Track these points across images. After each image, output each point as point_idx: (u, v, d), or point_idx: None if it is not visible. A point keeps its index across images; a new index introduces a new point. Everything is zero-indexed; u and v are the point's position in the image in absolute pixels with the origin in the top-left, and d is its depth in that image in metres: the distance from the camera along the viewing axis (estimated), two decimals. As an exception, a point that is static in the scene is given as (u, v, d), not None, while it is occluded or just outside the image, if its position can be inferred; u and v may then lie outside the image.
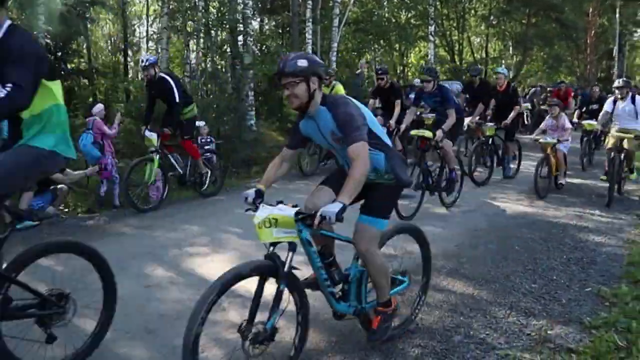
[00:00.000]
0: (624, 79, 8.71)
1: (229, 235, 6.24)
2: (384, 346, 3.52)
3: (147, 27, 26.41)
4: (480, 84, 11.32)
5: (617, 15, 31.20)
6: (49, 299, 3.16)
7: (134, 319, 3.91)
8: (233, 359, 3.06)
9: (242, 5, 14.43)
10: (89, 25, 19.43)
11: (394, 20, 22.45)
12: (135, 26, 29.77)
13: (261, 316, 3.00)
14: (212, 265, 5.14)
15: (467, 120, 9.37)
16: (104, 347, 3.54)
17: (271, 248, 3.01)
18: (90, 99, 16.60)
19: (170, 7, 15.45)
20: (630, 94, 8.17)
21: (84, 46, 20.36)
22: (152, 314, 4.05)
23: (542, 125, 9.09)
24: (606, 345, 3.46)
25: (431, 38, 22.79)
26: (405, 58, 27.55)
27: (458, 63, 26.44)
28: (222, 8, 15.17)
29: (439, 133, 6.97)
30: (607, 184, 7.81)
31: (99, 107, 9.18)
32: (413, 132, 7.45)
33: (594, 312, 4.05)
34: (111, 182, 8.75)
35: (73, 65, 17.41)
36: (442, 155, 7.27)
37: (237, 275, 2.87)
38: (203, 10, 15.10)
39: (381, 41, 22.23)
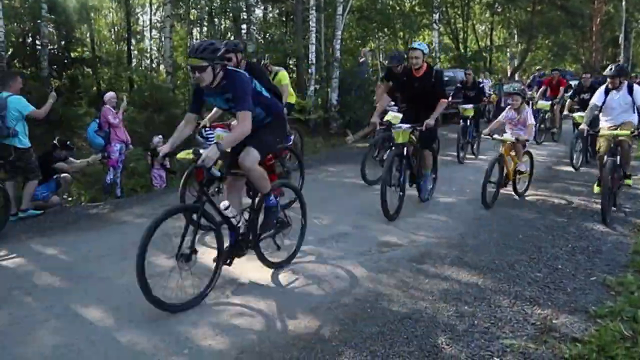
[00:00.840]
0: (617, 64, 7.36)
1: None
2: (387, 335, 3.50)
3: (151, 16, 26.33)
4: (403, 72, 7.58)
5: (624, 3, 30.93)
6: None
7: (137, 308, 3.90)
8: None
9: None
10: (92, 14, 19.37)
11: (398, 8, 22.31)
12: (139, 14, 29.69)
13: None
14: (213, 254, 5.11)
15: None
16: (108, 336, 3.55)
17: None
18: (94, 88, 16.59)
19: (174, -5, 15.38)
20: (624, 83, 6.98)
21: (87, 35, 20.32)
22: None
23: (501, 118, 7.49)
24: (612, 334, 3.43)
25: (435, 26, 22.64)
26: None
27: (463, 51, 26.28)
28: (225, -4, 15.13)
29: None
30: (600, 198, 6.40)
31: (110, 94, 9.16)
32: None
33: (600, 301, 4.02)
34: (115, 171, 8.78)
35: (76, 54, 17.38)
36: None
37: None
38: (206, -2, 15.05)
39: (385, 29, 22.09)
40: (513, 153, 7.16)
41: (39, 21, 13.42)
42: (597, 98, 7.15)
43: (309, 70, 15.84)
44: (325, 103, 15.87)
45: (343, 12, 16.17)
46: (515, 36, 30.46)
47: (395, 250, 5.22)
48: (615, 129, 6.86)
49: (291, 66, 19.60)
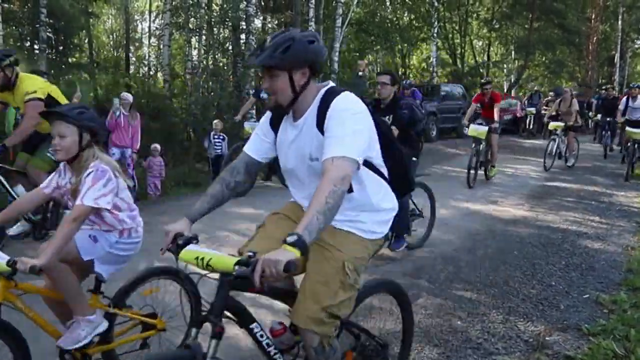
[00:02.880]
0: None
1: (226, 233, 6.22)
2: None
3: (150, 23, 26.42)
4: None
5: (620, 22, 31.22)
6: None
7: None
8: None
9: (245, 3, 14.42)
10: (91, 20, 19.40)
11: (396, 22, 22.46)
12: (138, 22, 29.80)
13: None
14: (209, 264, 5.11)
15: None
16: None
17: None
18: (92, 94, 16.58)
19: (173, 3, 15.43)
20: None
21: (86, 41, 20.34)
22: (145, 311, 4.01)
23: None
24: (604, 353, 3.43)
25: (433, 39, 22.81)
26: (407, 60, 27.54)
27: (460, 66, 26.44)
28: (224, 5, 15.17)
29: None
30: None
31: (123, 95, 9.01)
32: None
33: (593, 319, 4.02)
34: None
35: (74, 60, 17.38)
36: None
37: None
38: (206, 7, 15.09)
39: (383, 43, 22.23)
40: None
41: (37, 26, 13.42)
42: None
43: (307, 82, 15.87)
44: (322, 115, 15.89)
45: (342, 25, 16.26)
46: (513, 52, 30.66)
47: (390, 264, 5.22)
48: None
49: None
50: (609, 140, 14.06)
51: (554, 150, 11.07)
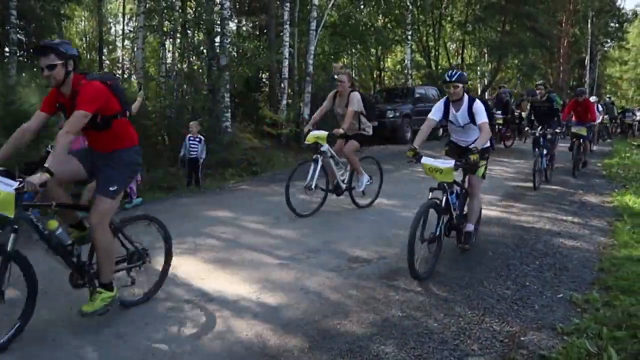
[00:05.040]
0: None
1: (200, 237, 6.15)
2: (356, 352, 3.49)
3: (123, 26, 26.12)
4: None
5: (589, 26, 31.84)
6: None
7: (103, 324, 3.82)
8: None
9: (219, 6, 14.34)
10: (63, 22, 19.10)
11: (370, 25, 22.54)
12: (111, 24, 29.45)
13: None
14: (184, 268, 5.06)
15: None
16: (72, 353, 3.45)
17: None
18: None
19: (147, 6, 15.27)
20: None
21: (58, 43, 20.00)
22: (122, 319, 3.95)
23: None
24: (578, 351, 3.47)
25: (408, 42, 22.95)
26: (382, 62, 27.67)
27: (434, 68, 26.65)
28: (199, 8, 15.07)
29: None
30: None
31: None
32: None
33: (567, 318, 4.07)
34: None
35: (46, 63, 17.06)
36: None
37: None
38: (180, 10, 14.97)
39: (358, 45, 22.28)
40: None
41: (7, 28, 13.17)
42: None
43: (282, 85, 15.86)
44: (297, 117, 15.90)
45: (317, 28, 16.26)
46: (486, 55, 31.01)
47: (365, 267, 5.22)
48: None
49: (264, 80, 19.61)
50: (543, 161, 9.88)
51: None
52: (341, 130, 7.20)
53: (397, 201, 8.13)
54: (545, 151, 9.85)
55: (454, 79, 5.23)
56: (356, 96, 7.34)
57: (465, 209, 5.60)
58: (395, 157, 12.50)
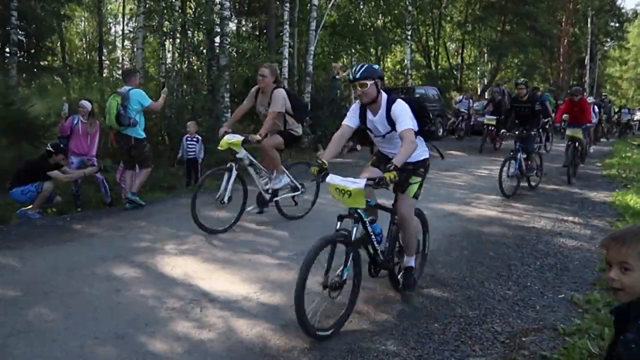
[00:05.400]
0: None
1: (200, 237, 6.13)
2: (357, 353, 3.48)
3: (123, 26, 26.14)
4: None
5: (589, 25, 31.81)
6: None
7: (103, 324, 3.81)
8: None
9: (219, 7, 14.33)
10: (63, 23, 19.12)
11: (369, 25, 22.54)
12: (111, 24, 29.45)
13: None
14: (184, 269, 5.05)
15: None
16: (72, 353, 3.44)
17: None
18: (64, 98, 16.33)
19: (147, 6, 15.27)
20: None
21: (58, 43, 20.04)
22: (122, 319, 3.94)
23: None
24: (579, 352, 3.46)
25: (408, 42, 22.94)
26: (382, 63, 27.69)
27: (434, 68, 26.66)
28: (199, 9, 15.05)
29: None
30: None
31: (82, 102, 8.87)
32: None
33: (568, 319, 4.07)
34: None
35: (46, 63, 17.11)
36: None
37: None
38: (180, 11, 14.95)
39: (357, 45, 22.28)
40: None
41: (8, 28, 13.17)
42: None
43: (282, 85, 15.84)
44: (297, 117, 15.86)
45: (317, 28, 16.25)
46: (486, 55, 31.03)
47: (365, 267, 5.19)
48: None
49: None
50: (514, 167, 8.79)
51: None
52: (258, 137, 6.22)
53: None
54: (524, 155, 8.93)
55: (358, 76, 4.04)
56: (280, 94, 6.44)
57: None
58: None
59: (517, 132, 9.12)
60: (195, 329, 3.81)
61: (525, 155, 8.96)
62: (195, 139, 10.15)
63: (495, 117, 14.58)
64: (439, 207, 7.77)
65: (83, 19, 27.66)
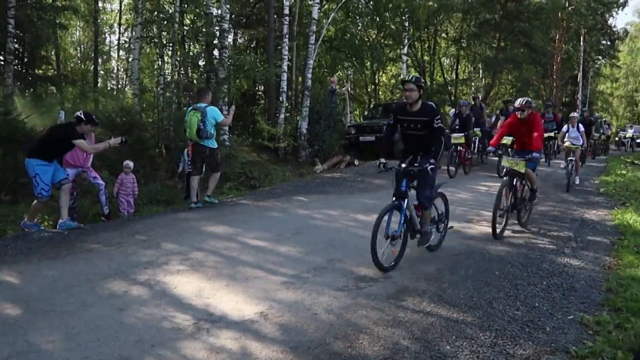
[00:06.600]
0: None
1: (202, 253, 6.04)
2: (371, 376, 3.41)
3: (119, 36, 26.08)
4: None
5: (582, 43, 32.15)
6: None
7: (107, 346, 3.71)
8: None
9: (218, 19, 14.32)
10: (59, 32, 19.05)
11: (366, 40, 22.65)
12: (106, 34, 29.39)
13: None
14: (188, 286, 4.96)
15: None
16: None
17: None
18: (58, 107, 16.23)
19: (145, 17, 15.23)
20: None
21: (53, 53, 19.96)
22: (127, 340, 3.85)
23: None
24: (595, 377, 3.41)
25: (404, 58, 23.04)
26: (377, 77, 27.77)
27: (429, 84, 26.75)
28: (198, 21, 15.05)
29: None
30: None
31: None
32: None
33: (579, 341, 4.02)
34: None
35: (41, 72, 17.01)
36: None
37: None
38: (178, 22, 14.93)
39: (354, 59, 22.36)
40: None
41: (4, 37, 13.09)
42: None
43: (280, 98, 15.84)
44: (295, 131, 15.86)
45: (315, 42, 16.27)
46: (480, 71, 31.21)
47: (372, 286, 5.13)
48: None
49: (259, 93, 19.59)
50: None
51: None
52: None
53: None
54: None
55: None
56: None
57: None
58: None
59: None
60: (204, 351, 3.72)
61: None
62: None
63: (462, 135, 13.01)
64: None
65: (78, 28, 27.59)
